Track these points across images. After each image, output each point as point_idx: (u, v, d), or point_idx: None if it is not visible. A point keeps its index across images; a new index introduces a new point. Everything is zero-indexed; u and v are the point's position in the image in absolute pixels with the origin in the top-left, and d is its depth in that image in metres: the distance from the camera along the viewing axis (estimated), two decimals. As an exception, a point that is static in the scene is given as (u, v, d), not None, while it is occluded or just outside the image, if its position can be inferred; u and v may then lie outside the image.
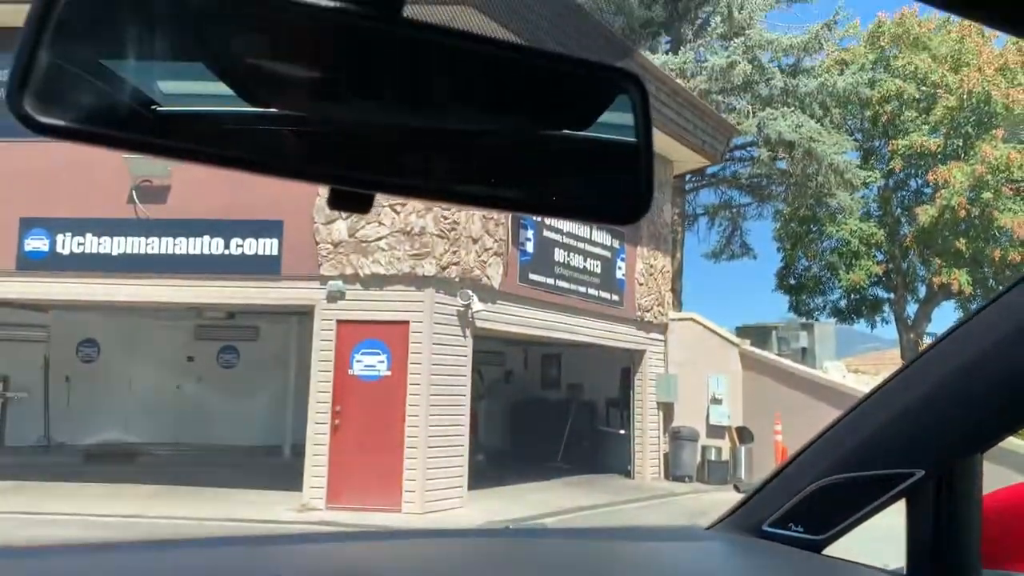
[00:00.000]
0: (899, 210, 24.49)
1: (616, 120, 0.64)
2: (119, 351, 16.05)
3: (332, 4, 0.54)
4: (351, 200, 0.58)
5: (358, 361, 10.92)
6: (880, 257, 24.28)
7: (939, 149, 21.92)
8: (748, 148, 23.13)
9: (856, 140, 24.43)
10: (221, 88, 0.54)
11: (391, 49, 0.57)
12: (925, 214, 21.24)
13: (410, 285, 11.09)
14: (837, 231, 23.58)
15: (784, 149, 20.88)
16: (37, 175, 11.00)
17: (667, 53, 22.38)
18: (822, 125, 21.50)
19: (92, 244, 11.17)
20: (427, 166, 0.60)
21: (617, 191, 0.64)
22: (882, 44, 23.76)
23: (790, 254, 25.61)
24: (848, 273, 23.67)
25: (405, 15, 0.57)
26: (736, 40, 21.65)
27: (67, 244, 11.17)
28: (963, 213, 20.35)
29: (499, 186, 0.61)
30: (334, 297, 11.07)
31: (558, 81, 0.64)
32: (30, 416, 15.26)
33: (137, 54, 0.53)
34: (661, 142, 14.71)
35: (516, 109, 0.64)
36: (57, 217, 11.15)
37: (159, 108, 0.53)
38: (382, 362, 10.93)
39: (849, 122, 24.55)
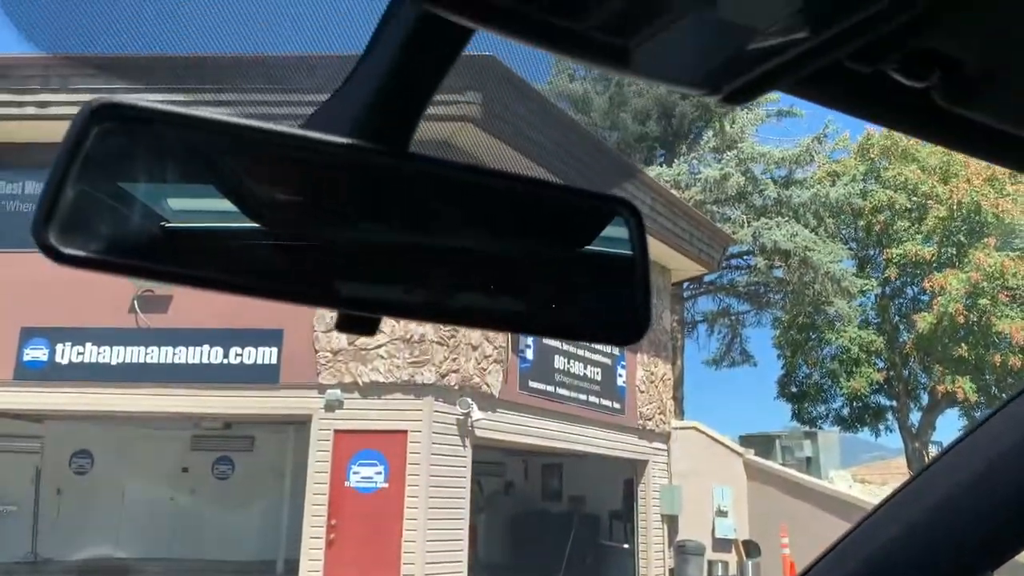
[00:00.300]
0: (897, 317, 24.59)
1: (614, 246, 0.66)
2: (113, 462, 15.78)
3: (344, 141, 0.57)
4: (358, 323, 0.60)
5: (355, 473, 10.74)
6: (880, 364, 24.22)
7: (933, 257, 22.21)
8: (744, 256, 23.43)
9: (851, 249, 24.77)
10: (238, 219, 0.57)
11: (399, 182, 0.60)
12: (923, 321, 21.32)
13: (409, 393, 11.02)
14: (836, 338, 23.61)
15: (780, 258, 21.15)
16: (39, 284, 11.08)
17: (661, 165, 22.98)
18: (817, 234, 21.84)
19: (91, 354, 11.16)
20: (431, 290, 0.62)
21: (616, 314, 0.66)
22: (872, 156, 24.39)
23: (790, 361, 25.55)
24: (849, 380, 23.55)
25: (411, 149, 0.60)
26: (729, 153, 22.27)
27: (66, 354, 11.16)
28: (961, 320, 20.42)
29: (503, 309, 0.63)
30: (332, 406, 10.98)
31: (557, 210, 0.67)
32: (18, 530, 14.86)
33: (159, 187, 0.56)
34: (658, 250, 14.92)
35: (517, 237, 0.66)
36: (57, 327, 11.18)
37: (178, 239, 0.55)
38: (379, 473, 10.74)
39: (843, 231, 24.95)
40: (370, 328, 0.60)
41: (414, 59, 0.57)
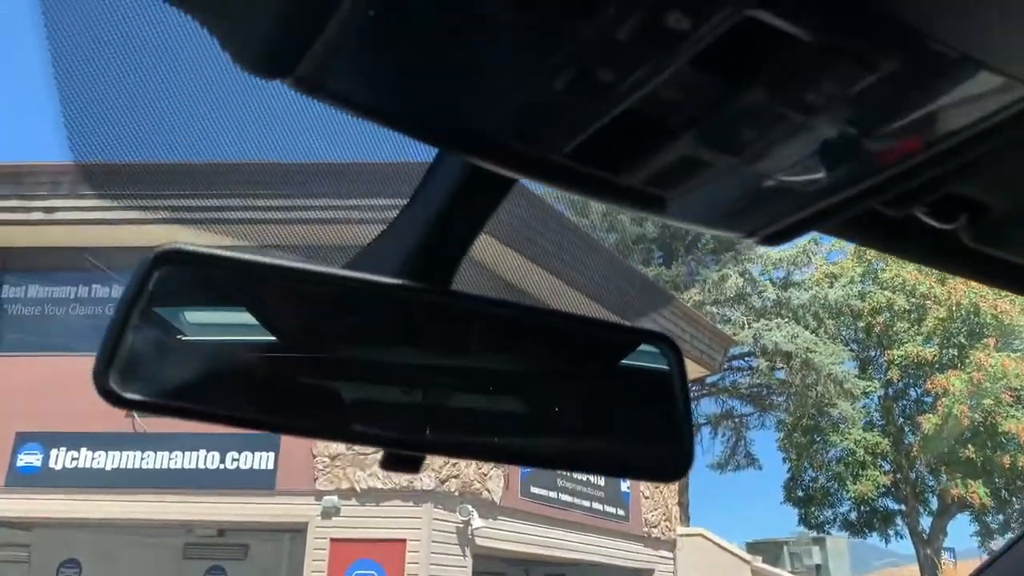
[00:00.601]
0: (901, 419, 24.35)
1: (654, 380, 0.67)
2: (102, 572, 15.28)
3: (392, 281, 0.59)
4: (403, 462, 0.60)
5: (352, 583, 10.40)
6: (887, 467, 23.83)
7: (935, 358, 22.17)
8: (746, 358, 23.39)
9: (852, 350, 24.74)
10: (293, 360, 0.57)
11: (444, 319, 0.61)
12: (928, 423, 21.11)
13: (408, 500, 10.78)
14: (841, 441, 23.31)
15: (782, 359, 21.11)
16: (35, 389, 11.00)
17: (660, 266, 23.22)
18: (817, 336, 21.87)
19: (86, 459, 10.98)
20: (479, 429, 0.62)
21: (658, 452, 0.66)
22: (869, 257, 24.64)
23: (796, 464, 25.13)
24: (855, 484, 23.13)
25: (453, 287, 0.61)
26: (726, 254, 22.53)
27: (60, 459, 10.98)
28: (966, 421, 20.23)
29: (549, 447, 0.63)
30: (329, 513, 10.73)
31: (596, 344, 0.67)
32: (-1, 646, 14.28)
33: (216, 329, 0.57)
34: (659, 353, 14.87)
35: (557, 373, 0.67)
36: (53, 431, 11.03)
37: (234, 381, 0.56)
38: (377, 584, 10.41)
39: (843, 333, 24.98)
40: (415, 466, 0.60)
41: (459, 206, 0.59)
